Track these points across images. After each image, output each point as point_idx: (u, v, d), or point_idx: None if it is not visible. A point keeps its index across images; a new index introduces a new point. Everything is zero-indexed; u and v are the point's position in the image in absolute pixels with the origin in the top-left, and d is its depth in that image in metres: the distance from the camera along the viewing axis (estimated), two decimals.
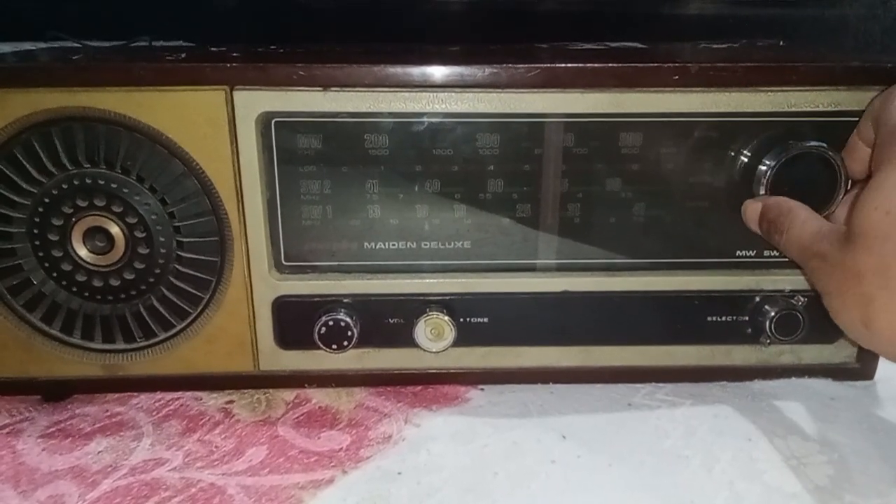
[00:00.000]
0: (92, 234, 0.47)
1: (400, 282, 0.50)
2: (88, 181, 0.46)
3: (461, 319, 0.50)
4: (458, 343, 0.50)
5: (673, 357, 0.53)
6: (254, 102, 0.45)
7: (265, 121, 0.46)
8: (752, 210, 0.47)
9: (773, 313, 0.50)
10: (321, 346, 0.49)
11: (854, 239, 0.38)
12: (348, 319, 0.49)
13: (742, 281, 0.51)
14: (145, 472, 0.44)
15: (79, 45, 0.66)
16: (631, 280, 0.51)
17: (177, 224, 0.47)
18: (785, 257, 0.49)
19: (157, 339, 0.50)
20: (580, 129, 0.47)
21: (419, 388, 0.53)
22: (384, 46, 0.60)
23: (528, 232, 0.50)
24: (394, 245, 0.50)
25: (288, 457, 0.45)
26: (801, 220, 0.44)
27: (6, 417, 0.50)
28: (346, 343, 0.49)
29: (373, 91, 0.46)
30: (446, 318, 0.49)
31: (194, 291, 0.49)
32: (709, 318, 0.52)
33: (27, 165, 0.46)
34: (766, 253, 0.51)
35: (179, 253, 0.48)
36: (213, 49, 0.60)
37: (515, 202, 0.49)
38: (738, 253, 0.51)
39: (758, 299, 0.51)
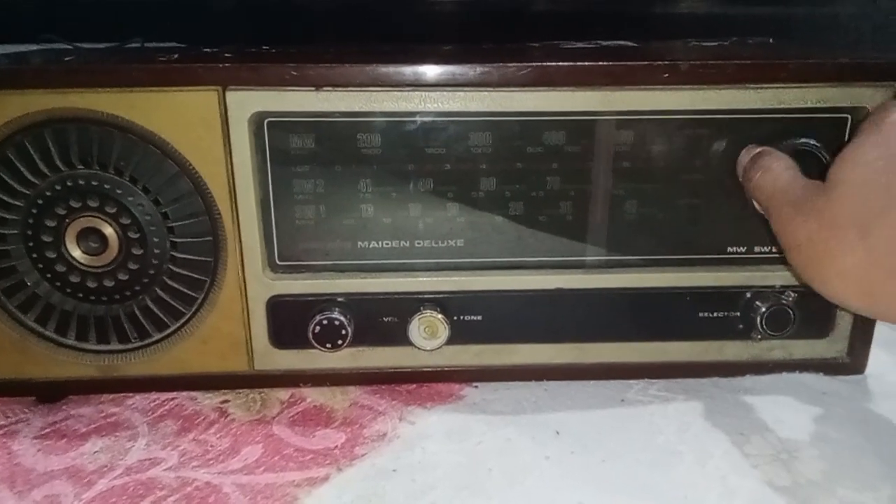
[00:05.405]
0: (86, 236, 0.47)
1: (394, 280, 0.50)
2: (82, 182, 0.46)
3: (455, 317, 0.51)
4: (451, 341, 0.50)
5: (665, 353, 0.53)
6: (246, 102, 0.46)
7: (258, 121, 0.46)
8: (743, 155, 0.46)
9: (763, 309, 0.50)
10: (315, 345, 0.50)
11: (832, 189, 0.38)
12: (342, 318, 0.49)
13: (733, 277, 0.51)
14: (141, 471, 0.44)
15: (71, 48, 0.66)
16: (623, 277, 0.51)
17: (170, 224, 0.48)
18: (775, 253, 0.50)
19: (151, 340, 0.50)
20: (571, 128, 0.48)
21: (413, 386, 0.53)
22: (376, 46, 0.60)
23: (521, 230, 0.50)
24: (387, 244, 0.50)
25: (283, 455, 0.46)
26: (781, 166, 0.43)
27: (1, 419, 0.50)
28: (340, 342, 0.49)
29: (365, 90, 0.46)
30: (440, 316, 0.50)
31: (188, 292, 0.49)
32: (700, 315, 0.52)
33: (20, 167, 0.46)
34: (756, 249, 0.51)
35: (173, 253, 0.48)
36: (205, 49, 0.60)
37: (508, 200, 0.49)
38: (728, 249, 0.51)
39: (749, 295, 0.51)
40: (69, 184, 0.46)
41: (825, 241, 0.38)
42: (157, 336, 0.50)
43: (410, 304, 0.50)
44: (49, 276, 0.48)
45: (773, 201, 0.42)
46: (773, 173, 0.43)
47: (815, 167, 0.46)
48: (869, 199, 0.36)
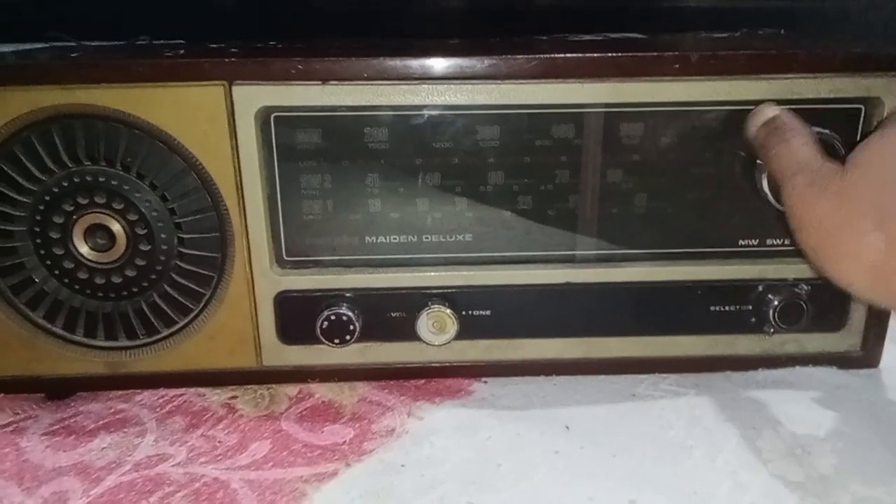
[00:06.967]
0: (93, 232, 0.47)
1: (401, 275, 0.50)
2: (89, 178, 0.46)
3: (463, 312, 0.50)
4: (460, 336, 0.50)
5: (676, 347, 0.53)
6: (253, 97, 0.45)
7: (264, 115, 0.46)
8: (757, 113, 0.45)
9: (776, 302, 0.50)
10: (323, 340, 0.49)
11: (853, 172, 0.37)
12: (350, 314, 0.49)
13: (745, 270, 0.51)
14: (149, 467, 0.44)
15: (76, 45, 0.66)
16: (633, 270, 0.50)
17: (178, 220, 0.47)
18: (788, 246, 0.49)
19: (159, 336, 0.50)
20: (580, 120, 0.47)
21: (422, 381, 0.53)
22: (383, 40, 0.60)
23: (530, 224, 0.49)
24: (395, 239, 0.50)
25: (291, 451, 0.45)
26: (800, 141, 0.42)
27: (10, 415, 0.50)
28: (348, 337, 0.49)
29: (372, 84, 0.46)
30: (448, 311, 0.49)
31: (196, 288, 0.49)
32: (712, 308, 0.51)
33: (28, 163, 0.46)
34: (769, 242, 0.50)
35: (181, 249, 0.48)
36: (211, 45, 0.59)
37: (516, 194, 0.49)
38: (741, 242, 0.50)
39: (761, 288, 0.51)
40: (76, 180, 0.46)
41: (840, 224, 0.37)
42: (164, 332, 0.50)
43: (418, 299, 0.50)
44: (57, 272, 0.48)
45: (787, 173, 0.41)
46: (792, 147, 0.42)
47: (831, 156, 0.45)
48: (890, 186, 0.36)
